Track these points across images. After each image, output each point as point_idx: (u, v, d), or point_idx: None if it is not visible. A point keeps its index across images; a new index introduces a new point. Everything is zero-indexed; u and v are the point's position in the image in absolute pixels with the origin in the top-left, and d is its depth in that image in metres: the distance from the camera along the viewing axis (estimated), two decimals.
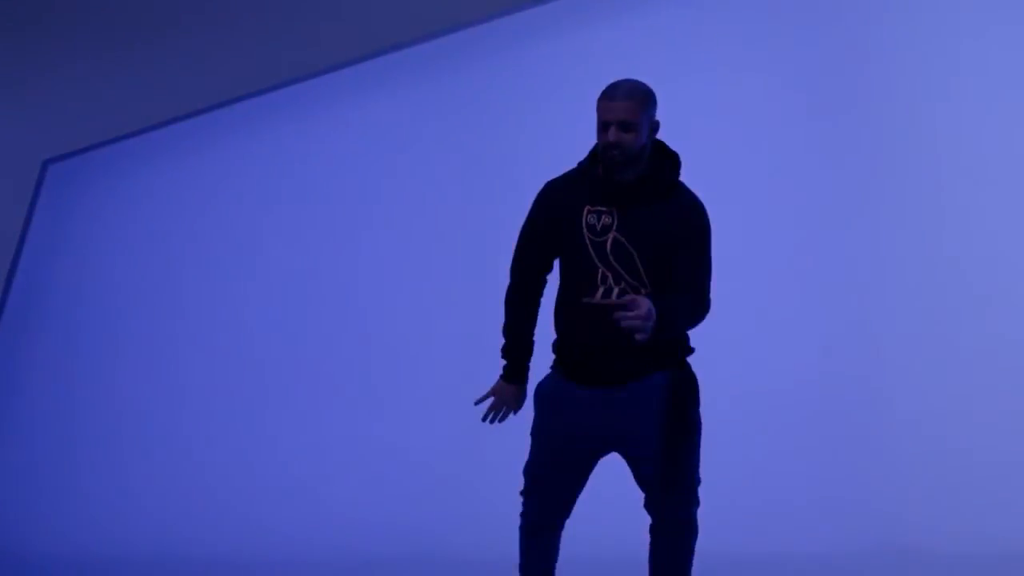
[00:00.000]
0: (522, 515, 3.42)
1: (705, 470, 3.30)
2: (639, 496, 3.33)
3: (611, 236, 3.18)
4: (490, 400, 3.40)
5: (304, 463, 5.04)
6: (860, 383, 4.83)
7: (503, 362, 3.40)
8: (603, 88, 3.17)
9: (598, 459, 3.37)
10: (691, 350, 3.33)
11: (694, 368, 3.31)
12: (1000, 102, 4.81)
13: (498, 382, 3.40)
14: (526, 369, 3.41)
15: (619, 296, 3.14)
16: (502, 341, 3.39)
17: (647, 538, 3.37)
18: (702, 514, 3.32)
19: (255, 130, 5.17)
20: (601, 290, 3.18)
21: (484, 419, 3.39)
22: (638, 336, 2.95)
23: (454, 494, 4.89)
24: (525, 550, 3.43)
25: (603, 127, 3.14)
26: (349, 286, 5.18)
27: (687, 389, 3.28)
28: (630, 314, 2.94)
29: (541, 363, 3.39)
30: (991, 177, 4.80)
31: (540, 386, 3.39)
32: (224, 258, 5.18)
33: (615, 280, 3.18)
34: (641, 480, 3.31)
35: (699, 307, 3.22)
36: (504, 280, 3.41)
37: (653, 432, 3.23)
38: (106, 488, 5.04)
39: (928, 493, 4.66)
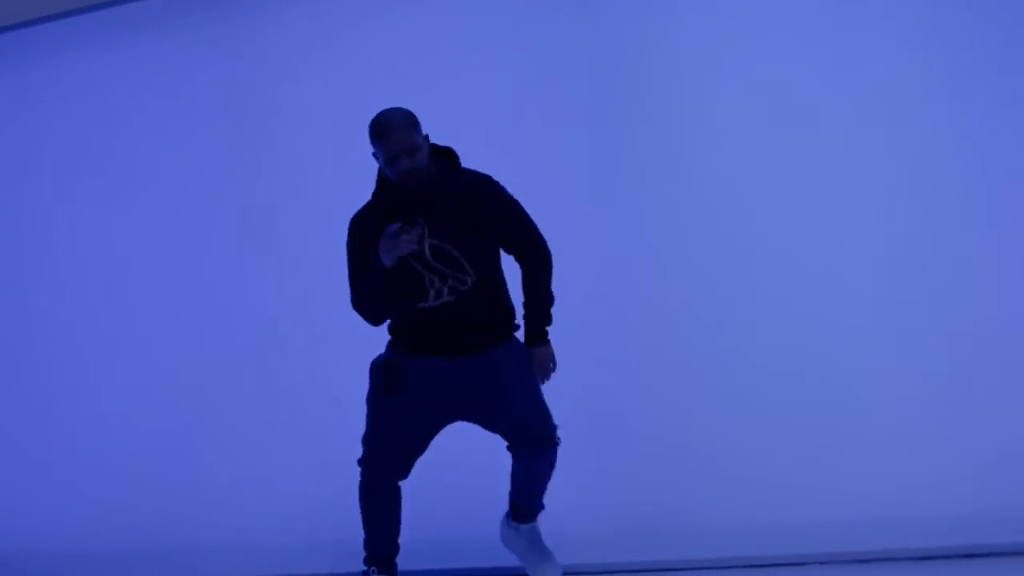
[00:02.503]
0: (362, 484, 3.64)
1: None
2: None
3: (427, 244, 3.46)
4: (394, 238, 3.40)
5: None
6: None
7: (372, 272, 3.45)
8: (371, 125, 3.43)
9: (444, 424, 3.67)
10: (517, 326, 3.70)
11: None
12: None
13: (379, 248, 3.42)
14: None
15: (449, 294, 3.47)
16: (367, 297, 3.51)
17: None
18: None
19: None
20: (432, 293, 3.48)
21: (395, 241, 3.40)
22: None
23: None
24: (372, 509, 3.64)
25: (392, 159, 3.40)
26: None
27: (525, 353, 3.68)
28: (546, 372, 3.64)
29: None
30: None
31: (381, 358, 3.64)
32: None
33: (441, 280, 3.49)
34: (504, 430, 3.66)
35: (545, 262, 3.65)
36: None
37: (512, 387, 3.61)
38: None
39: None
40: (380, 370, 3.62)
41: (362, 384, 4.48)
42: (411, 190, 3.41)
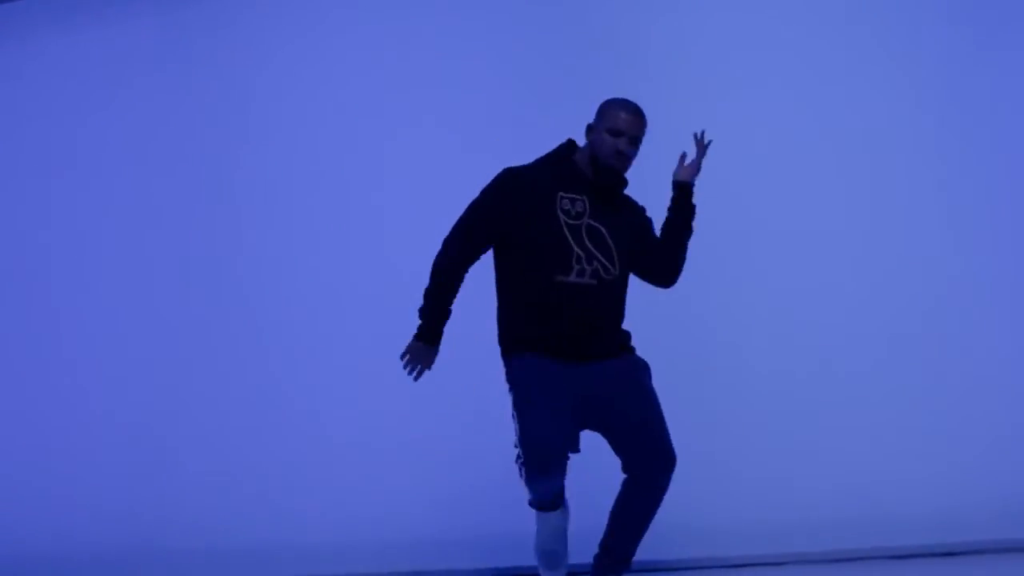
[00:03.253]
0: (533, 501, 3.40)
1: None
2: None
3: (585, 221, 3.41)
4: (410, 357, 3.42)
5: None
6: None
7: (422, 323, 3.43)
8: (614, 100, 3.48)
9: (581, 430, 3.41)
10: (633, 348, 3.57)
11: None
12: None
13: (415, 342, 3.43)
14: (442, 334, 3.47)
15: (591, 276, 3.37)
16: (426, 304, 3.44)
17: None
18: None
19: None
20: (575, 270, 3.37)
21: (410, 373, 3.42)
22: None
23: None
24: (547, 520, 3.43)
25: (617, 134, 3.43)
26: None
27: (648, 369, 3.51)
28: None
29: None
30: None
31: (519, 363, 3.40)
32: None
33: (587, 261, 3.39)
34: (624, 446, 3.41)
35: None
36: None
37: (638, 402, 3.41)
38: None
39: None
40: (528, 375, 3.37)
41: (360, 382, 4.61)
42: (609, 171, 3.45)
